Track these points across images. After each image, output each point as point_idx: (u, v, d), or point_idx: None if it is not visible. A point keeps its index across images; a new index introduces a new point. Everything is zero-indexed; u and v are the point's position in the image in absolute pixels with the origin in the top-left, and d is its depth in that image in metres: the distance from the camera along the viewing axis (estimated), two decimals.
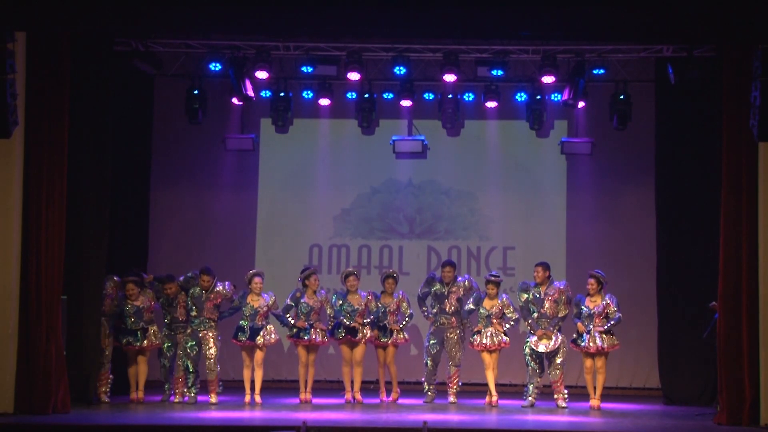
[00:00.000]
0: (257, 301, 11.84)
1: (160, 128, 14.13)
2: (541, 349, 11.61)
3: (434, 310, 12.00)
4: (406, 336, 12.11)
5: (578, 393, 12.29)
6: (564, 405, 11.63)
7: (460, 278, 12.13)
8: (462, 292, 12.02)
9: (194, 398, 11.75)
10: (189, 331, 11.77)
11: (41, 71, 10.66)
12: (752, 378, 10.40)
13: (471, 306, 11.93)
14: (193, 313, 11.77)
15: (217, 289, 11.81)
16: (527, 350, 11.75)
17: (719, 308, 10.76)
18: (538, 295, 11.75)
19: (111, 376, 11.79)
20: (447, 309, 11.96)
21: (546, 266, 11.89)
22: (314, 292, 11.94)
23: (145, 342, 11.80)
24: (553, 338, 11.61)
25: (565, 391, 11.73)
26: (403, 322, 12.02)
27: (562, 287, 11.80)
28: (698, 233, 12.79)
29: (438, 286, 12.05)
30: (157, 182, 14.14)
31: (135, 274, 11.99)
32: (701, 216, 12.71)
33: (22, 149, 10.62)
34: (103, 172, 11.92)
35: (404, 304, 12.01)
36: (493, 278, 11.93)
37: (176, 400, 11.76)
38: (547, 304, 11.71)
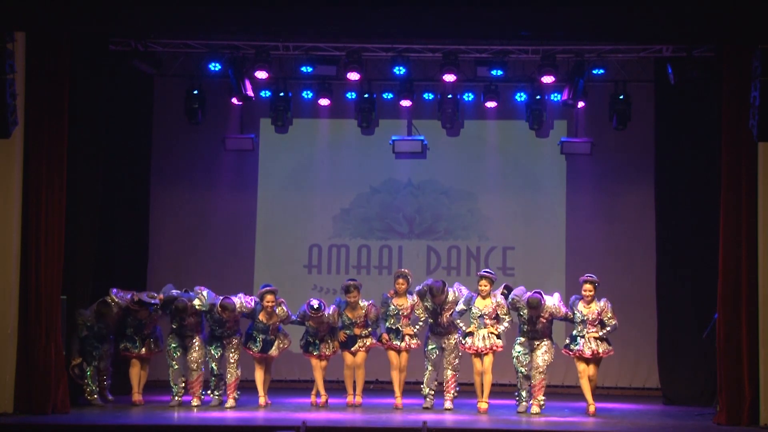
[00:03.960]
0: (269, 319, 11.54)
1: (159, 128, 14.13)
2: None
3: (430, 321, 11.54)
4: (419, 341, 11.65)
5: (577, 393, 12.25)
6: (538, 411, 11.14)
7: (450, 290, 11.43)
8: (453, 306, 11.42)
9: (219, 400, 11.61)
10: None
11: (41, 71, 10.65)
12: (752, 378, 10.41)
13: (462, 306, 11.38)
14: (216, 327, 11.55)
15: (237, 310, 11.46)
16: (515, 354, 11.30)
17: (719, 308, 10.76)
18: (530, 317, 11.15)
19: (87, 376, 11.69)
20: (441, 323, 11.50)
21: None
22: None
23: (144, 350, 11.66)
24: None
25: (542, 398, 11.22)
26: (416, 327, 11.61)
27: (554, 310, 11.15)
28: (698, 233, 12.79)
29: (429, 302, 11.48)
30: (157, 182, 14.14)
31: (144, 302, 11.55)
32: (701, 216, 12.72)
33: (21, 149, 10.62)
34: (102, 172, 11.94)
35: (419, 310, 11.55)
36: (486, 274, 11.41)
37: (194, 402, 11.54)
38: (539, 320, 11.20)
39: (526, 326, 11.28)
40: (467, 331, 11.37)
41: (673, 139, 13.31)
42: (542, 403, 11.23)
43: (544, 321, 11.22)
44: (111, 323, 11.55)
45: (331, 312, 11.59)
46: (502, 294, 11.47)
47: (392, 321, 11.59)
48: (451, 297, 11.42)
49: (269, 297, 11.45)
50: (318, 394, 11.80)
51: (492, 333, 11.30)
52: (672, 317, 13.02)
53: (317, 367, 11.76)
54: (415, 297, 11.55)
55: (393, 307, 11.56)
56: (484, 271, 11.56)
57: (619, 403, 12.69)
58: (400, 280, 11.55)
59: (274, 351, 11.62)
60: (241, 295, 11.59)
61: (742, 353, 10.47)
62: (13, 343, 10.46)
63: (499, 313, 11.36)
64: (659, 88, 13.51)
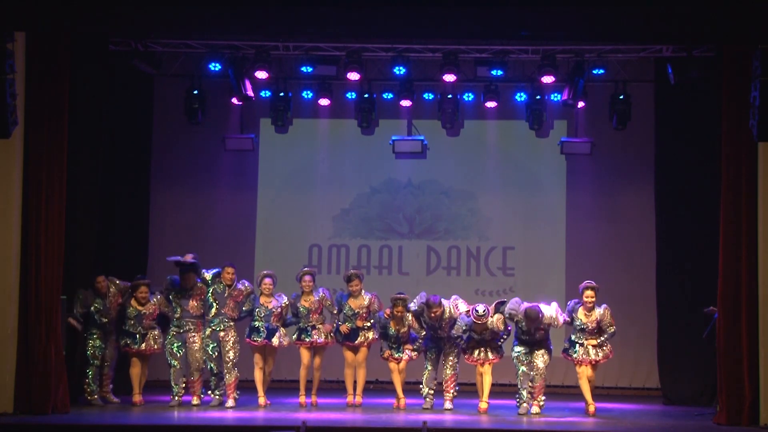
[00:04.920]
0: (270, 303, 11.64)
1: (159, 128, 14.14)
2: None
3: (431, 332, 11.45)
4: (419, 352, 11.60)
5: (577, 393, 12.23)
6: (538, 411, 11.11)
7: (446, 305, 11.27)
8: (450, 321, 11.33)
9: (219, 400, 11.58)
10: (208, 332, 11.58)
11: (41, 71, 10.65)
12: (752, 378, 10.40)
13: (462, 328, 11.28)
14: (213, 311, 11.60)
15: (239, 287, 11.62)
16: (515, 354, 11.26)
17: (719, 308, 10.75)
18: (527, 329, 11.08)
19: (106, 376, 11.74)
20: (441, 335, 11.43)
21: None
22: (311, 293, 11.72)
23: (144, 345, 11.65)
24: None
25: (543, 398, 11.21)
26: (417, 343, 11.57)
27: (551, 321, 11.03)
28: (698, 233, 12.79)
29: (426, 318, 11.37)
30: (157, 182, 14.14)
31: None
32: (701, 216, 12.72)
33: (22, 149, 10.62)
34: (102, 172, 11.95)
35: (416, 326, 11.45)
36: (480, 321, 11.04)
37: (194, 401, 11.55)
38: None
39: (524, 336, 11.24)
40: (468, 345, 11.38)
41: (673, 139, 13.31)
42: (542, 403, 11.22)
43: (542, 331, 11.19)
44: (110, 307, 11.55)
45: (321, 294, 11.65)
46: (497, 311, 11.32)
47: (392, 340, 11.61)
48: (447, 314, 11.31)
49: (267, 281, 11.66)
50: (309, 395, 11.81)
51: (494, 347, 11.36)
52: (672, 317, 13.02)
53: (304, 365, 11.73)
54: (410, 318, 11.48)
55: (393, 332, 11.55)
56: (477, 316, 11.07)
57: (619, 403, 12.68)
58: (400, 308, 11.44)
59: (275, 340, 11.63)
60: (243, 280, 11.82)
61: (742, 353, 10.47)
62: (13, 343, 10.45)
63: (498, 333, 11.32)
64: (659, 88, 13.52)
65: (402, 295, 11.49)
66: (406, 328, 11.53)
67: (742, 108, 10.43)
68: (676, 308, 12.99)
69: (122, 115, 13.36)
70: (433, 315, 11.28)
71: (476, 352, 11.35)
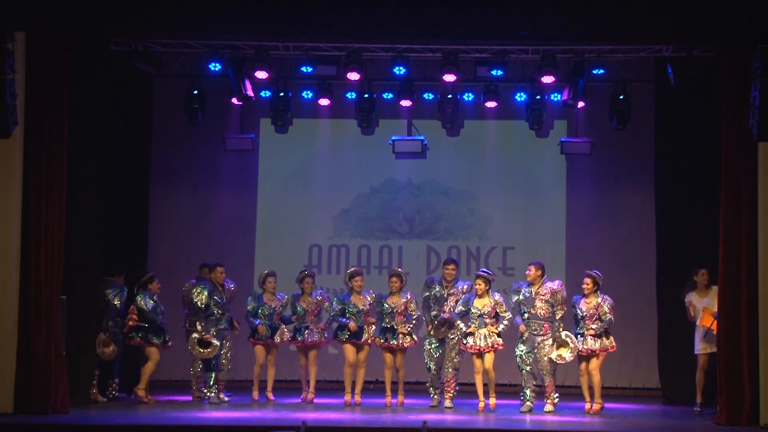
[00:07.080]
0: (274, 301, 11.93)
1: (159, 128, 14.13)
2: (568, 357, 11.22)
3: (433, 313, 11.64)
4: (415, 338, 11.73)
5: (578, 393, 12.24)
6: (551, 409, 11.23)
7: (460, 282, 11.73)
8: (462, 296, 11.59)
9: (213, 398, 11.84)
10: (213, 331, 11.75)
11: (41, 71, 10.65)
12: (752, 378, 10.41)
13: (461, 308, 11.45)
14: (220, 311, 11.85)
15: (227, 288, 12.00)
16: (518, 353, 11.35)
17: (719, 308, 10.76)
18: (529, 295, 11.31)
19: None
20: (443, 310, 11.57)
21: (539, 266, 11.40)
22: (310, 294, 11.89)
23: (170, 342, 11.97)
24: (570, 344, 11.23)
25: (556, 395, 11.33)
26: (410, 325, 11.74)
27: (555, 288, 11.30)
28: (698, 233, 12.79)
29: (437, 288, 11.68)
30: (157, 182, 14.14)
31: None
32: (701, 216, 12.71)
33: (21, 149, 10.63)
34: (102, 172, 11.95)
35: (411, 305, 11.68)
36: (482, 273, 11.49)
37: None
38: (538, 304, 11.24)
39: (526, 312, 11.31)
40: (468, 331, 11.40)
41: (673, 139, 13.31)
42: (556, 401, 11.34)
43: (542, 299, 11.24)
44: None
45: (319, 296, 11.83)
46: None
47: (387, 320, 11.69)
48: (459, 285, 11.66)
49: (271, 279, 11.95)
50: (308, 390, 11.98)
51: (492, 332, 11.34)
52: (672, 317, 13.01)
53: (302, 365, 11.93)
54: (408, 295, 11.72)
55: (387, 305, 11.67)
56: (482, 271, 11.69)
57: (619, 403, 12.68)
58: (394, 279, 11.75)
59: (277, 337, 11.79)
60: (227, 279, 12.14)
61: (742, 353, 10.47)
62: (13, 343, 10.46)
63: (498, 311, 11.40)
64: (659, 88, 13.51)
65: (398, 269, 12.04)
66: (402, 302, 11.65)
67: (742, 108, 10.43)
68: (675, 308, 12.96)
69: (122, 115, 13.35)
70: (448, 272, 11.65)
71: (476, 338, 11.32)
